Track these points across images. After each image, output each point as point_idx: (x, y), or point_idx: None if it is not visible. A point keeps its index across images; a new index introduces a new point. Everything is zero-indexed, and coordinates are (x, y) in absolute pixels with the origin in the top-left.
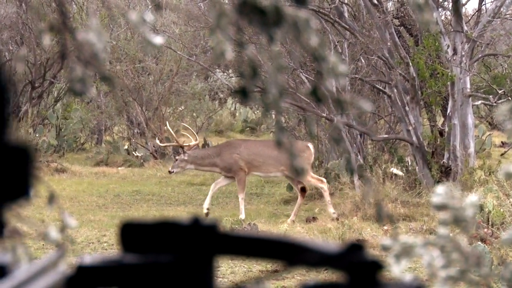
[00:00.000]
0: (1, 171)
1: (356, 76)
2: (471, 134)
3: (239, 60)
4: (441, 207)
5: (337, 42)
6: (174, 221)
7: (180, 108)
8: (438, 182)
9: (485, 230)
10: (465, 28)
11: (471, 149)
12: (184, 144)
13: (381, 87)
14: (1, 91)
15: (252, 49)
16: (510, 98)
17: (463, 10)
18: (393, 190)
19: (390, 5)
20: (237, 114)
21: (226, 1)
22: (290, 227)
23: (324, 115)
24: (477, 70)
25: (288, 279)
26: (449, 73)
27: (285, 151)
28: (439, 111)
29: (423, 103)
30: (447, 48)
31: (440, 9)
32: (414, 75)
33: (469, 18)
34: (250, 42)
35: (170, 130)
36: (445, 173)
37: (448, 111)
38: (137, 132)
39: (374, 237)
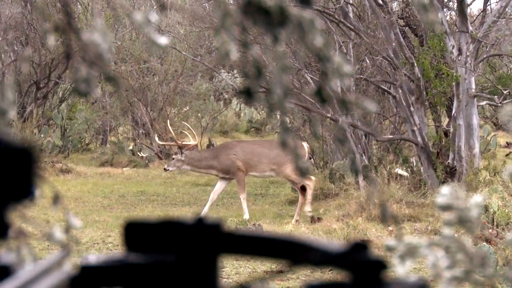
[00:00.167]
0: (4, 172)
1: (361, 76)
2: (476, 134)
3: (243, 60)
4: (446, 208)
5: (342, 43)
6: (178, 221)
7: (185, 109)
8: (443, 182)
9: (490, 230)
10: (470, 28)
11: (476, 150)
12: (184, 143)
13: (386, 88)
14: None
15: (257, 49)
16: None
17: (468, 10)
18: (398, 191)
19: (395, 6)
20: (242, 114)
21: (231, 1)
22: (295, 227)
23: (329, 115)
24: (482, 71)
25: (292, 279)
26: (454, 74)
27: (290, 151)
28: (444, 111)
29: (428, 103)
30: (452, 49)
31: (445, 10)
32: (419, 75)
33: (474, 18)
34: (255, 42)
35: (171, 129)
36: (450, 174)
37: (453, 111)
38: (142, 132)
39: (379, 238)
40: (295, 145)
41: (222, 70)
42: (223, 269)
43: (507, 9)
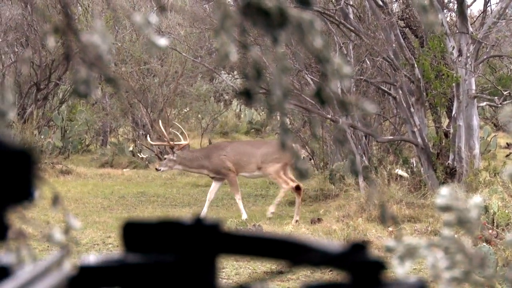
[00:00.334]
0: (4, 174)
1: (361, 77)
2: (476, 135)
3: (243, 61)
4: (446, 209)
5: (342, 44)
6: (176, 221)
7: (185, 110)
8: (443, 183)
9: (490, 231)
10: (470, 29)
11: (476, 151)
12: (175, 143)
13: (386, 89)
14: None
15: (257, 50)
16: None
17: (468, 11)
18: (398, 192)
19: (395, 7)
20: (242, 115)
21: (231, 3)
22: (295, 228)
23: (329, 116)
24: (482, 72)
25: (292, 280)
26: (454, 75)
27: (289, 152)
28: (444, 112)
29: (428, 104)
30: (452, 50)
31: (445, 11)
32: (419, 76)
33: (474, 19)
34: (256, 43)
35: (162, 129)
36: (450, 175)
37: (453, 112)
38: (142, 133)
39: (379, 239)
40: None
41: (223, 72)
42: (223, 270)
43: (507, 10)
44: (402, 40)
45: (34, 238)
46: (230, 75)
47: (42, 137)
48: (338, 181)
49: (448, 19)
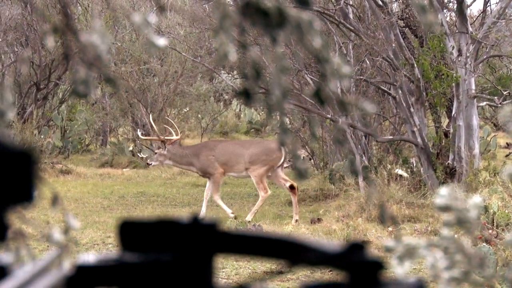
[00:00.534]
0: (4, 174)
1: (361, 77)
2: (476, 135)
3: (243, 61)
4: (445, 209)
5: (342, 44)
6: (173, 220)
7: (185, 110)
8: (443, 183)
9: (490, 231)
10: (470, 29)
11: (476, 150)
12: (166, 138)
13: (386, 89)
14: None
15: (256, 50)
16: None
17: (468, 11)
18: (398, 192)
19: (395, 7)
20: (242, 115)
21: (231, 2)
22: (295, 228)
23: (329, 116)
24: (482, 71)
25: (292, 280)
26: (454, 74)
27: (289, 152)
28: (444, 112)
29: (428, 104)
30: (452, 49)
31: (445, 10)
32: (419, 76)
33: (474, 19)
34: (255, 43)
35: (153, 124)
36: (450, 175)
37: (453, 112)
38: (142, 133)
39: (379, 239)
40: (271, 147)
41: (222, 71)
42: (223, 270)
43: (507, 10)
44: (401, 40)
45: (34, 238)
46: (230, 75)
47: (42, 137)
48: (338, 181)
49: (448, 19)
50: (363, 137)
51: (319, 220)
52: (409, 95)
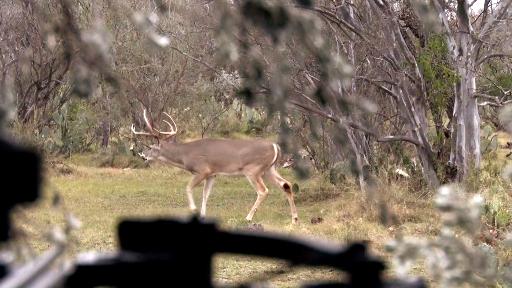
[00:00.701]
0: (11, 175)
1: (362, 77)
2: (477, 135)
3: (244, 61)
4: (446, 208)
5: (343, 43)
6: (172, 219)
7: (186, 109)
8: (444, 183)
9: (491, 231)
10: (471, 29)
11: (477, 150)
12: (162, 132)
13: (387, 88)
14: None
15: (257, 50)
16: None
17: (469, 11)
18: (399, 191)
19: (396, 6)
20: (242, 115)
21: (232, 2)
22: (295, 227)
23: (330, 116)
24: (483, 71)
25: (293, 280)
26: (455, 74)
27: (290, 152)
28: (445, 112)
29: (429, 104)
30: (453, 49)
31: (446, 10)
32: (420, 76)
33: (475, 19)
34: (256, 43)
35: (146, 120)
36: (451, 174)
37: (454, 112)
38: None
39: (380, 238)
40: (263, 146)
41: (223, 71)
42: (224, 269)
43: (508, 10)
44: (402, 40)
45: (35, 237)
46: (231, 75)
47: (42, 136)
48: (339, 180)
49: (448, 18)
50: (364, 136)
51: (319, 219)
52: (410, 94)
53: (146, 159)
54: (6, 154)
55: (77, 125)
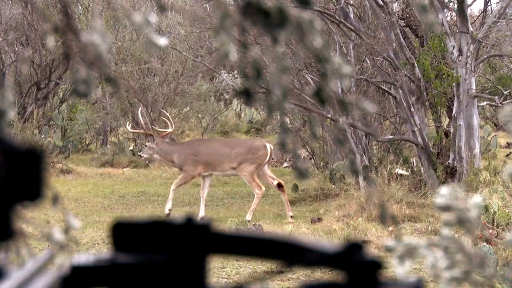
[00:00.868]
0: (12, 174)
1: (362, 77)
2: (477, 135)
3: (243, 61)
4: (445, 208)
5: (343, 43)
6: (166, 221)
7: (185, 109)
8: (443, 183)
9: (490, 231)
10: (471, 29)
11: (477, 150)
12: (158, 129)
13: (386, 88)
14: None
15: (257, 50)
16: None
17: (469, 11)
18: (398, 191)
19: (395, 6)
20: (242, 115)
21: (232, 2)
22: (295, 227)
23: (329, 116)
24: (483, 71)
25: (293, 279)
26: (455, 74)
27: (289, 152)
28: (445, 112)
29: (428, 104)
30: (453, 49)
31: (445, 10)
32: (420, 76)
33: (475, 19)
34: (256, 43)
35: (140, 118)
36: (450, 174)
37: (454, 112)
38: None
39: (379, 238)
40: (256, 145)
41: (223, 71)
42: (223, 269)
43: (507, 10)
44: (402, 40)
45: (34, 237)
46: (230, 75)
47: (42, 136)
48: (339, 180)
49: (448, 18)
50: (364, 136)
51: (319, 219)
52: (410, 94)
53: (142, 156)
54: (8, 153)
55: (76, 125)
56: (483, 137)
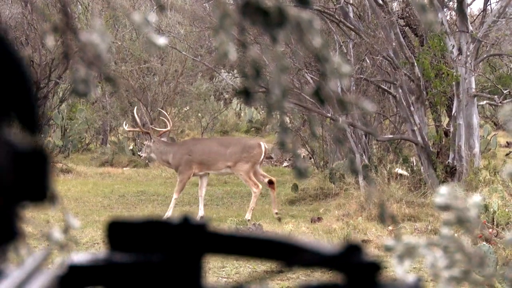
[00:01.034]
0: (20, 174)
1: (361, 76)
2: (476, 134)
3: (243, 60)
4: (445, 208)
5: (342, 42)
6: (162, 220)
7: (185, 109)
8: (443, 182)
9: (490, 230)
10: (470, 28)
11: (476, 149)
12: (156, 128)
13: (386, 87)
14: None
15: (256, 49)
16: None
17: (468, 10)
18: (398, 190)
19: (395, 5)
20: (242, 114)
21: (231, 1)
22: (295, 227)
23: (329, 115)
24: (482, 70)
25: (293, 279)
26: (454, 73)
27: (289, 151)
28: (444, 111)
29: (428, 103)
30: (452, 48)
31: (445, 9)
32: (419, 75)
33: (474, 18)
34: (255, 42)
35: (136, 116)
36: (450, 173)
37: (453, 111)
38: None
39: (379, 237)
40: (250, 144)
41: (222, 70)
42: (223, 269)
43: (507, 9)
44: (402, 39)
45: (34, 237)
46: (230, 74)
47: (42, 136)
48: (338, 180)
49: (448, 17)
50: (363, 136)
51: (319, 219)
52: (409, 94)
53: (142, 156)
54: (13, 154)
55: (76, 125)
56: (483, 136)
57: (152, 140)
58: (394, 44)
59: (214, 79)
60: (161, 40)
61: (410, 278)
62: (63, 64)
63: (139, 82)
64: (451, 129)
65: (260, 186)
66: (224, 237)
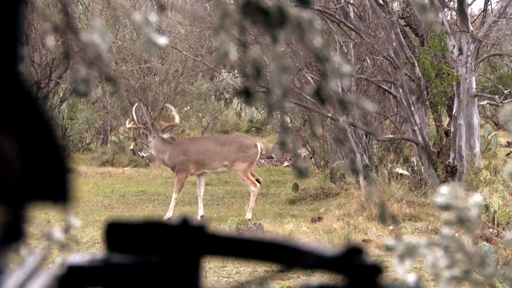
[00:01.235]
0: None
1: (362, 76)
2: (477, 134)
3: (243, 60)
4: (446, 207)
5: (343, 42)
6: (161, 221)
7: (185, 109)
8: (444, 182)
9: (491, 230)
10: (471, 28)
11: (477, 149)
12: (161, 122)
13: (386, 87)
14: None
15: (256, 49)
16: None
17: (469, 10)
18: (399, 190)
19: (395, 5)
20: (242, 114)
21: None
22: (295, 227)
23: (330, 115)
24: (483, 70)
25: (293, 279)
26: (455, 73)
27: (289, 151)
28: (445, 111)
29: (428, 103)
30: (453, 48)
31: (445, 9)
32: (420, 75)
33: (475, 18)
34: (256, 42)
35: (134, 115)
36: (451, 173)
37: (454, 111)
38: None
39: (380, 237)
40: (246, 143)
41: (223, 70)
42: (224, 268)
43: (507, 9)
44: (402, 39)
45: (35, 237)
46: (231, 74)
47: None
48: (339, 179)
49: (448, 17)
50: (364, 136)
51: (319, 218)
52: (410, 94)
53: (143, 155)
54: (27, 152)
55: (77, 125)
56: (484, 136)
57: (152, 136)
58: (394, 44)
59: (214, 79)
60: (162, 40)
61: (411, 279)
62: (63, 64)
63: (139, 82)
64: (452, 129)
65: (258, 185)
66: (223, 239)
